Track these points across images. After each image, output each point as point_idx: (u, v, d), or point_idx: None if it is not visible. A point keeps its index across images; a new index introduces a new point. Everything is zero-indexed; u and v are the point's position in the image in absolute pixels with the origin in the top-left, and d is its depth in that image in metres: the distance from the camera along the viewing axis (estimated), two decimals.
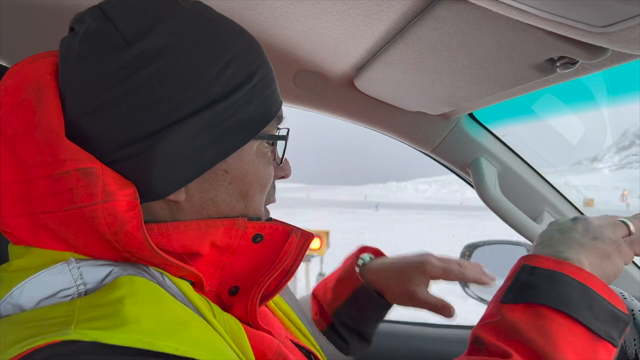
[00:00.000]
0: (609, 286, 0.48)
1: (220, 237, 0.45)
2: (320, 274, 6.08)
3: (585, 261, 0.48)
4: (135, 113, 0.40)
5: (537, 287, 0.45)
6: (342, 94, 0.93)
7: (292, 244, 0.48)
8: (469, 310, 1.52)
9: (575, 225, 0.52)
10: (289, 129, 0.51)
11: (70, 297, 0.36)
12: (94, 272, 0.38)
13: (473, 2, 0.46)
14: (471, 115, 0.98)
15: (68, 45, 0.42)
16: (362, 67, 0.81)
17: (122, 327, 0.32)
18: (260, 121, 0.46)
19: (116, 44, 0.40)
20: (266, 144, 0.48)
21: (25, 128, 0.40)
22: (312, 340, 0.61)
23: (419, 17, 0.59)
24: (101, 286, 0.37)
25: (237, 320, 0.45)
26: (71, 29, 0.44)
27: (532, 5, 0.43)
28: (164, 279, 0.42)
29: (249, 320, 0.47)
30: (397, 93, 0.86)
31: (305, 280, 6.26)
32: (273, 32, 0.74)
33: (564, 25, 0.44)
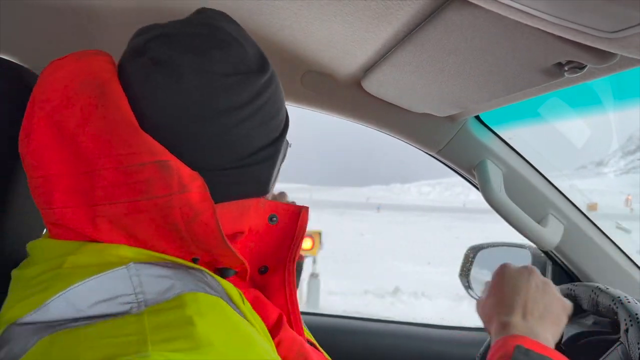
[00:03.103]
0: None
1: (253, 217, 0.49)
2: (312, 275, 6.07)
3: (552, 338, 0.58)
4: (262, 126, 0.47)
5: None
6: (349, 95, 0.94)
7: (305, 220, 0.53)
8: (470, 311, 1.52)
9: (529, 284, 0.59)
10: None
11: (129, 305, 0.36)
12: (154, 283, 0.39)
13: (482, 5, 0.47)
14: (478, 118, 0.98)
15: (182, 62, 0.44)
16: (369, 68, 0.81)
17: (197, 350, 0.33)
18: (281, 128, 0.53)
19: (251, 70, 0.47)
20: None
21: (86, 121, 0.41)
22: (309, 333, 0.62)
23: (427, 20, 0.59)
24: (162, 299, 0.37)
25: (265, 328, 0.46)
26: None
27: (542, 10, 0.43)
28: (210, 280, 0.43)
29: (288, 296, 0.52)
30: (404, 95, 0.87)
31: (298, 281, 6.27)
32: (281, 33, 0.75)
33: (573, 30, 0.45)
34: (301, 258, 5.90)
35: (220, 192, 0.44)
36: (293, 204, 0.54)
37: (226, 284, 0.44)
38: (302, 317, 0.67)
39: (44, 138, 0.42)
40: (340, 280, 8.33)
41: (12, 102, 0.53)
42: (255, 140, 0.46)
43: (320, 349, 0.59)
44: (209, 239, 0.42)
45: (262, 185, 0.49)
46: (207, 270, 0.44)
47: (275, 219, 0.52)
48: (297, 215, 0.53)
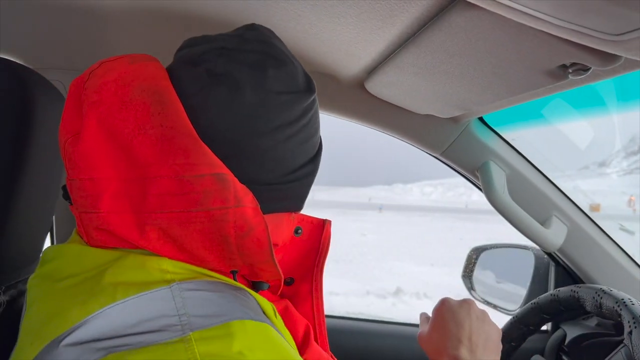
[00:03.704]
0: None
1: (284, 230, 0.50)
2: None
3: (493, 357, 0.61)
4: (304, 144, 0.48)
5: None
6: (353, 96, 0.94)
7: (329, 232, 0.56)
8: None
9: (471, 316, 0.61)
10: None
11: (173, 327, 0.36)
12: (198, 305, 0.38)
13: (486, 8, 0.47)
14: (481, 119, 0.98)
15: (241, 77, 0.44)
16: (373, 70, 0.82)
17: None
18: (317, 146, 0.55)
19: (300, 89, 0.47)
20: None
21: (142, 128, 0.41)
22: None
23: (431, 22, 0.59)
24: (208, 325, 0.36)
25: (295, 345, 0.47)
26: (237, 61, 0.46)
27: (546, 12, 0.43)
28: (251, 299, 0.43)
29: (315, 301, 0.53)
30: (407, 96, 0.87)
31: None
32: (285, 34, 0.75)
33: (577, 32, 0.45)
34: None
35: (264, 207, 0.44)
36: (316, 218, 0.56)
37: (261, 300, 0.44)
38: None
39: (96, 140, 0.41)
40: (341, 280, 8.32)
41: (14, 101, 0.53)
42: (299, 157, 0.48)
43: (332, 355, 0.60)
44: (257, 254, 0.43)
45: (300, 201, 0.50)
46: (244, 287, 0.44)
47: (300, 231, 0.54)
48: (320, 228, 0.56)
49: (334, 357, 0.59)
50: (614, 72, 0.59)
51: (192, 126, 0.42)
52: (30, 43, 0.84)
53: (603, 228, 1.02)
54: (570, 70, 0.58)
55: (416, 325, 1.32)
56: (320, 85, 0.91)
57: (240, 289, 0.43)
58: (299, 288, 0.55)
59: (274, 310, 0.45)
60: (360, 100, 0.94)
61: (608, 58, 0.53)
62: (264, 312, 0.42)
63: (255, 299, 0.43)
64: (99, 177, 0.41)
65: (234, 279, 0.44)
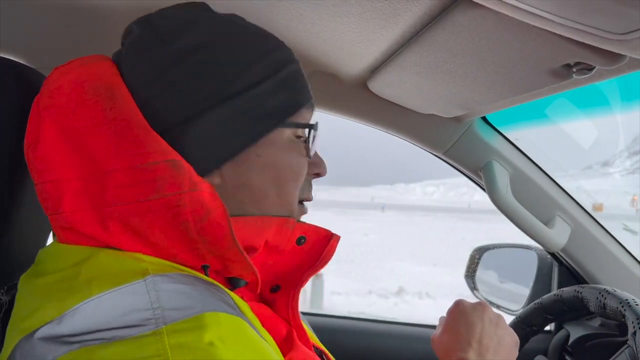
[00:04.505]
0: None
1: (273, 236, 0.48)
2: (316, 275, 6.06)
3: None
4: (173, 103, 0.45)
5: None
6: (355, 96, 0.94)
7: (333, 247, 0.52)
8: None
9: (484, 319, 0.60)
10: (317, 123, 0.54)
11: (146, 322, 0.36)
12: (172, 298, 0.38)
13: (490, 7, 0.47)
14: (484, 119, 0.98)
15: (119, 52, 0.48)
16: (376, 69, 0.81)
17: None
18: (287, 110, 0.50)
19: (154, 44, 0.46)
20: (296, 137, 0.51)
21: (95, 124, 0.41)
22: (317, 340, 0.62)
23: (435, 21, 0.59)
24: (181, 317, 0.36)
25: (275, 344, 0.46)
26: (123, 43, 0.49)
27: (551, 12, 0.43)
28: (226, 296, 0.42)
29: (291, 314, 0.51)
30: (410, 96, 0.86)
31: None
32: (287, 33, 0.75)
33: (582, 31, 0.45)
34: None
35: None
36: (323, 228, 0.53)
37: (237, 298, 0.43)
38: (305, 317, 0.67)
39: (53, 143, 0.42)
40: (344, 280, 8.33)
41: (17, 102, 0.53)
42: (165, 117, 0.46)
43: (329, 353, 0.59)
44: (219, 240, 0.42)
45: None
46: (220, 285, 0.43)
47: (303, 240, 0.51)
48: (326, 241, 0.52)
49: (328, 356, 0.58)
50: (619, 71, 0.59)
51: (142, 116, 0.43)
52: (32, 42, 0.84)
53: (606, 228, 1.02)
54: (574, 70, 0.58)
55: (418, 326, 1.31)
56: (323, 84, 0.91)
57: (214, 284, 0.43)
58: (281, 296, 0.53)
59: (250, 310, 0.44)
60: (362, 99, 0.94)
61: (612, 57, 0.53)
62: (242, 312, 0.42)
63: (230, 296, 0.43)
64: (59, 179, 0.42)
65: (206, 274, 0.44)
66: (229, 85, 0.46)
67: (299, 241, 0.51)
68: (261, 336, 0.41)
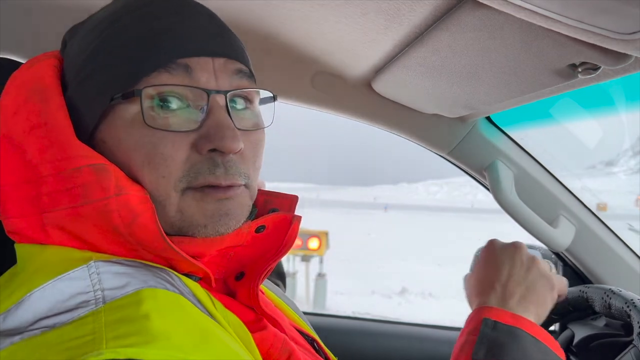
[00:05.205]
0: (549, 334, 0.54)
1: (229, 240, 0.46)
2: (319, 275, 6.07)
3: (535, 319, 0.54)
4: (85, 103, 0.44)
5: (503, 344, 0.50)
6: (359, 96, 0.94)
7: (295, 230, 0.49)
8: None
9: (514, 262, 0.56)
10: (171, 85, 0.43)
11: (87, 304, 0.35)
12: (113, 279, 0.38)
13: (495, 7, 0.47)
14: (488, 119, 0.98)
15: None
16: (380, 69, 0.82)
17: (152, 343, 0.32)
18: (121, 81, 0.42)
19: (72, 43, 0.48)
20: (134, 105, 0.42)
21: (30, 129, 0.41)
22: (309, 329, 0.61)
23: (439, 21, 0.59)
24: (119, 295, 0.36)
25: (242, 323, 0.45)
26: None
27: (556, 12, 0.43)
28: (174, 279, 0.41)
29: (252, 304, 0.47)
30: (414, 96, 0.86)
31: (305, 281, 6.26)
32: (292, 34, 0.75)
33: (587, 31, 0.45)
34: (306, 259, 5.89)
35: None
36: (283, 212, 0.50)
37: (193, 285, 0.42)
38: (308, 318, 0.66)
39: None
40: (347, 280, 8.32)
41: None
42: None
43: (325, 348, 0.58)
44: (151, 242, 0.41)
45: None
46: (174, 272, 0.42)
47: (262, 229, 0.48)
48: (288, 223, 0.48)
49: (320, 345, 0.56)
50: (624, 71, 0.59)
51: (68, 121, 0.42)
52: (32, 42, 0.84)
53: (611, 228, 1.01)
54: (579, 70, 0.58)
55: (422, 326, 1.31)
56: (327, 85, 0.91)
57: (164, 269, 0.42)
58: (243, 285, 0.49)
59: (211, 298, 0.42)
60: (367, 99, 0.94)
61: (618, 57, 0.53)
62: (196, 298, 0.40)
63: (185, 284, 0.41)
64: (2, 184, 0.41)
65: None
66: (79, 72, 0.44)
67: (258, 230, 0.48)
68: (214, 318, 0.39)
